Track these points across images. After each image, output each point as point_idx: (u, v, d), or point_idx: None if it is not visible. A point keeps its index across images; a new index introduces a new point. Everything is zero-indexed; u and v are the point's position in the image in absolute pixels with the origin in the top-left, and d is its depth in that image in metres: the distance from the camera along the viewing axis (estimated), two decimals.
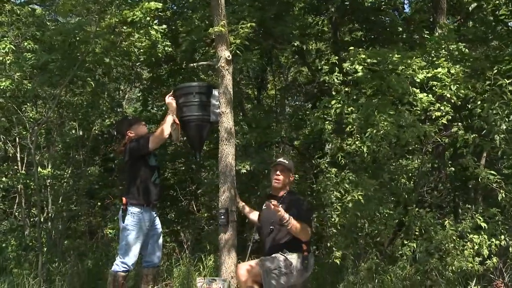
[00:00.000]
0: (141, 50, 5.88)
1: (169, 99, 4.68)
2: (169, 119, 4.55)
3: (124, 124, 4.85)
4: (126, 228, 4.54)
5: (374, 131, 4.11)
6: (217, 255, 5.30)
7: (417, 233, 4.70)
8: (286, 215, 3.93)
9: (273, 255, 4.13)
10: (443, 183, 5.52)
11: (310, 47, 6.70)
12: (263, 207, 4.47)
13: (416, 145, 4.64)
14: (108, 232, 8.32)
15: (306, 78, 8.99)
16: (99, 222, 8.13)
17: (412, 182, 5.01)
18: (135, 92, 8.63)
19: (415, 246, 4.46)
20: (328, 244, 4.57)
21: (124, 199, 4.63)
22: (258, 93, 8.71)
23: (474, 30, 5.92)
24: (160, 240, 4.80)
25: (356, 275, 4.82)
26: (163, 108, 7.32)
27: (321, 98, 6.69)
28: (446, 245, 4.08)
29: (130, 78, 6.98)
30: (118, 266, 4.50)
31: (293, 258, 4.10)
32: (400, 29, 5.87)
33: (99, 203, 7.70)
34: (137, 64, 6.88)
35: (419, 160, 5.04)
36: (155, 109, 7.41)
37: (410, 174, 5.14)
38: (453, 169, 5.19)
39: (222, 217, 4.52)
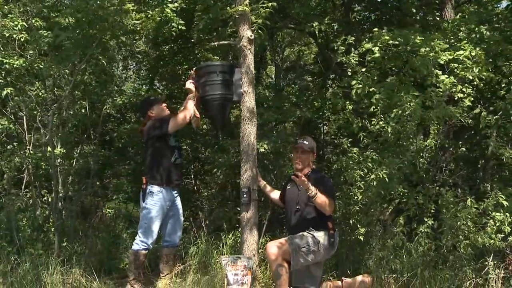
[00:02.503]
0: (137, 28, 5.77)
1: (189, 84, 4.67)
2: (190, 104, 4.56)
3: (146, 104, 4.84)
4: (146, 207, 4.57)
5: (400, 111, 4.19)
6: (234, 233, 5.40)
7: (432, 211, 4.86)
8: (313, 187, 4.04)
9: (301, 233, 4.22)
10: (452, 162, 5.65)
11: (322, 28, 6.70)
12: (288, 187, 4.55)
13: (439, 126, 4.74)
14: (107, 212, 8.34)
15: (304, 58, 9.03)
16: (98, 202, 8.12)
17: (423, 161, 5.12)
18: (130, 71, 8.51)
19: (430, 223, 4.61)
20: (351, 222, 4.67)
21: (144, 178, 4.65)
22: (258, 72, 8.71)
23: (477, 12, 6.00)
24: (181, 220, 4.83)
25: (370, 253, 4.97)
26: (169, 86, 7.32)
27: (328, 78, 6.80)
28: (467, 222, 4.22)
29: (137, 57, 6.90)
30: (138, 245, 4.55)
31: (320, 236, 4.20)
32: (414, 10, 5.91)
33: (97, 183, 7.67)
34: (134, 42, 6.78)
35: (430, 140, 5.13)
36: (161, 88, 7.36)
37: (421, 154, 5.26)
38: (464, 149, 5.32)
39: (245, 195, 4.57)
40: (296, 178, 4.06)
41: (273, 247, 4.08)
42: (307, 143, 4.42)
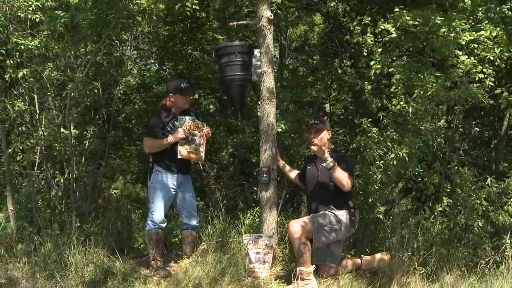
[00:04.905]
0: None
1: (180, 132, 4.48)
2: (162, 143, 4.52)
3: (173, 85, 4.68)
4: (151, 186, 4.64)
5: (422, 92, 4.22)
6: (252, 213, 5.44)
7: (448, 190, 4.93)
8: (331, 158, 4.13)
9: (323, 212, 4.28)
10: (464, 142, 5.70)
11: (339, 8, 6.67)
12: (308, 167, 4.60)
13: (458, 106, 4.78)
14: (113, 192, 8.36)
15: (307, 38, 8.98)
16: (101, 183, 8.13)
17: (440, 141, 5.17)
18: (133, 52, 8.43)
19: (446, 202, 4.68)
20: (370, 200, 4.73)
21: (150, 157, 4.69)
22: None
23: None
24: (193, 202, 4.82)
25: (385, 231, 5.05)
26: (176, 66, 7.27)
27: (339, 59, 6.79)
28: (482, 201, 4.29)
29: (148, 37, 6.85)
30: (149, 225, 4.65)
31: (342, 214, 4.26)
32: None
33: (104, 164, 7.67)
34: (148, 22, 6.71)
35: (442, 121, 5.18)
36: (169, 69, 7.30)
37: (434, 134, 5.31)
38: (477, 129, 5.37)
39: (264, 175, 4.61)
40: (314, 149, 4.13)
41: (297, 226, 4.14)
42: (318, 121, 4.51)
